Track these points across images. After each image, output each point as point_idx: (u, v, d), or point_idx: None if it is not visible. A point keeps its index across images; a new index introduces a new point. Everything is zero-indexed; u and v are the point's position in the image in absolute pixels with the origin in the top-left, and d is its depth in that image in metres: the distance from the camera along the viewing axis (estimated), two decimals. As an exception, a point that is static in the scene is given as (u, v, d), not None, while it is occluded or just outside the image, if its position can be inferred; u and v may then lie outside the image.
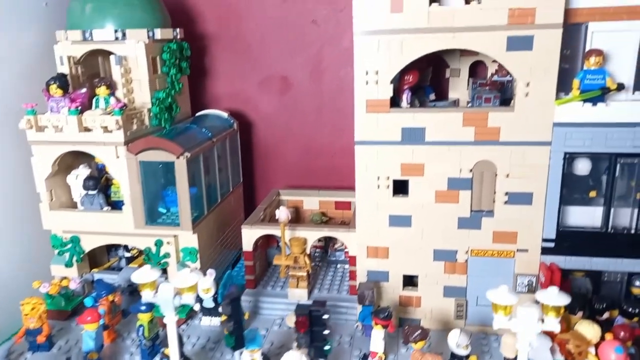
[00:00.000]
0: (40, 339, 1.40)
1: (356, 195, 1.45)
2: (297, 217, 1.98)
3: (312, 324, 1.05)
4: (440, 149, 1.36)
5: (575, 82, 1.28)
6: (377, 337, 1.30)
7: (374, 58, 1.32)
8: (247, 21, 2.06)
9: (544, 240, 1.38)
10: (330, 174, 2.14)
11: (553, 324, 0.99)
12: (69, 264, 1.64)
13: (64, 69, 1.60)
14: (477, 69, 1.71)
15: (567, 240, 1.37)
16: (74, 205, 1.68)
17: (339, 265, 1.81)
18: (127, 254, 1.81)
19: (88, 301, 1.44)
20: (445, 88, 1.73)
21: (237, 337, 1.10)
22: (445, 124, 1.34)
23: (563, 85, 1.32)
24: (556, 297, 0.98)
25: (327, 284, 1.70)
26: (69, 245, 1.62)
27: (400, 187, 1.42)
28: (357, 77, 1.34)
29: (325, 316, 1.04)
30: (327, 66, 2.05)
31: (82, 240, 1.62)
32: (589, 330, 1.19)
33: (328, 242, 1.89)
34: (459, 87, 1.70)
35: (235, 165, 2.00)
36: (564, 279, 1.41)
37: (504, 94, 1.48)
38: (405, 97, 1.42)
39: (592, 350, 1.18)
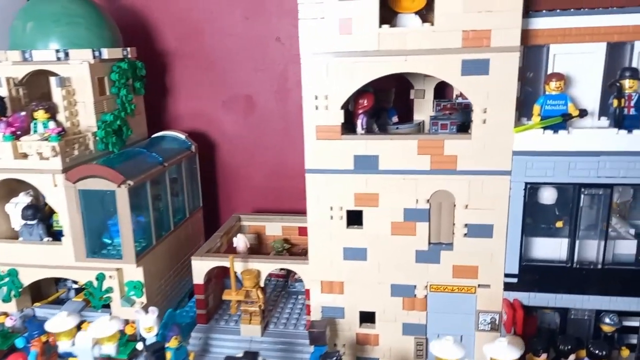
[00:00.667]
0: (-33, 382, 1.29)
1: (308, 227, 1.36)
2: (260, 244, 1.88)
3: (241, 377, 0.96)
4: (395, 178, 1.27)
5: (536, 108, 1.20)
6: (326, 383, 1.20)
7: (323, 82, 1.24)
8: (209, 38, 1.98)
9: (507, 275, 1.29)
10: (298, 197, 2.02)
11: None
12: (6, 299, 1.53)
13: (3, 91, 1.51)
14: (443, 89, 1.64)
15: (530, 275, 1.28)
16: (14, 236, 1.58)
17: (299, 297, 1.71)
18: (76, 285, 1.71)
19: (19, 342, 1.34)
20: (411, 110, 1.65)
21: (163, 390, 1.00)
22: (400, 152, 1.25)
23: (527, 110, 1.25)
24: (505, 350, 0.89)
25: (284, 317, 1.60)
26: (7, 279, 1.52)
27: (355, 218, 1.33)
28: (306, 102, 1.26)
29: (256, 369, 0.95)
30: (292, 85, 1.98)
31: (20, 274, 1.52)
32: (550, 376, 1.10)
33: (289, 271, 1.80)
34: (424, 109, 1.62)
35: (194, 189, 1.90)
36: (530, 316, 1.33)
37: (468, 118, 1.40)
38: (361, 123, 1.34)
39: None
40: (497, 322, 1.33)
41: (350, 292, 1.38)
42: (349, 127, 1.34)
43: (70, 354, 1.17)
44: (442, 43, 1.16)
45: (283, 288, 1.79)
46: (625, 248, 1.31)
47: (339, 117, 1.26)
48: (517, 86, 1.23)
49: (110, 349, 1.01)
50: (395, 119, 1.56)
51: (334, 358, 1.19)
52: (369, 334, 1.40)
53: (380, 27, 1.18)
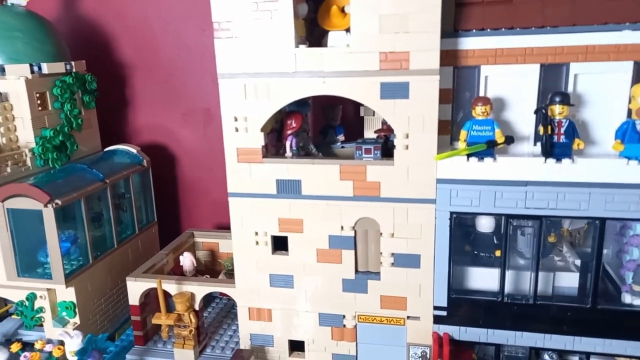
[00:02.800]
0: None
1: (234, 251, 1.32)
2: (213, 261, 1.84)
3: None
4: (319, 204, 1.22)
5: (463, 133, 1.14)
6: (239, 417, 1.15)
7: (241, 103, 1.19)
8: (166, 50, 1.95)
9: (435, 307, 1.23)
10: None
11: None
12: (-58, 315, 1.52)
13: (-60, 106, 1.50)
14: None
15: (460, 308, 1.22)
16: (-47, 251, 1.56)
17: (244, 318, 1.67)
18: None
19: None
20: (361, 126, 1.59)
21: None
22: (322, 177, 1.20)
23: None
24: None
25: (224, 340, 1.55)
26: (-59, 296, 1.51)
27: (281, 244, 1.28)
28: (225, 124, 1.22)
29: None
30: (250, 99, 1.93)
31: (-45, 291, 1.51)
32: (466, 421, 1.04)
33: (238, 290, 1.75)
34: (375, 126, 1.55)
35: (146, 204, 1.87)
36: (466, 350, 1.26)
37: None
38: (290, 144, 1.29)
39: None
40: (427, 355, 1.26)
41: (279, 320, 1.33)
42: (283, 148, 1.29)
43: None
44: (360, 65, 1.10)
45: (231, 309, 1.75)
46: (568, 280, 1.24)
47: (260, 140, 1.21)
48: (447, 109, 1.18)
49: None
50: (341, 137, 1.51)
51: (245, 392, 1.15)
52: (299, 363, 1.35)
53: (297, 47, 1.13)
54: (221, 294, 1.78)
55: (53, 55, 1.60)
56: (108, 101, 1.91)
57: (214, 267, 1.82)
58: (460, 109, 1.25)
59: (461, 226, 1.21)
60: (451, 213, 1.15)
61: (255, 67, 1.16)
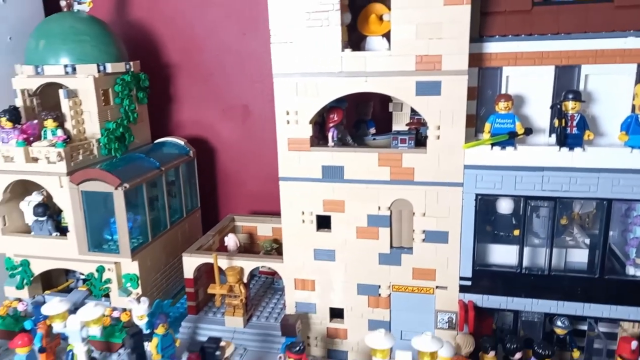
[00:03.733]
0: (-20, 359, 1.47)
1: (283, 229, 1.49)
2: (251, 243, 2.03)
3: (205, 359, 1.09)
4: (359, 187, 1.39)
5: (487, 126, 1.31)
6: (290, 370, 1.33)
7: (293, 99, 1.37)
8: (209, 52, 2.13)
9: (461, 278, 1.40)
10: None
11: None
12: (19, 286, 1.72)
13: (19, 101, 1.69)
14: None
15: (483, 279, 1.39)
16: (27, 230, 1.76)
17: (283, 293, 1.85)
18: (83, 276, 1.88)
19: (27, 324, 1.52)
20: (390, 121, 1.76)
21: (140, 369, 1.15)
22: (363, 164, 1.38)
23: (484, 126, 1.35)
24: (428, 344, 1.00)
25: (267, 311, 1.74)
26: (20, 268, 1.70)
27: (324, 222, 1.46)
28: (279, 117, 1.40)
29: (218, 353, 1.08)
30: (285, 96, 2.11)
31: (32, 264, 1.70)
32: (490, 371, 1.21)
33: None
34: (402, 121, 1.72)
35: (191, 191, 2.06)
36: (487, 317, 1.43)
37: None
38: (331, 135, 1.47)
39: (493, 391, 1.20)
40: (454, 321, 1.43)
41: (321, 289, 1.50)
42: (324, 139, 1.47)
43: (63, 334, 1.34)
44: (398, 66, 1.28)
45: (270, 285, 1.93)
46: (578, 256, 1.41)
47: (308, 131, 1.39)
48: (472, 104, 1.34)
49: (95, 330, 1.16)
50: (373, 130, 1.68)
51: (297, 347, 1.32)
52: (338, 328, 1.53)
53: (343, 50, 1.30)
54: (260, 272, 1.98)
55: (115, 56, 1.79)
56: (155, 97, 2.09)
57: (253, 248, 2.01)
58: (483, 105, 1.41)
59: (483, 208, 1.38)
60: (476, 195, 1.32)
61: (306, 67, 1.34)
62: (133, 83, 1.85)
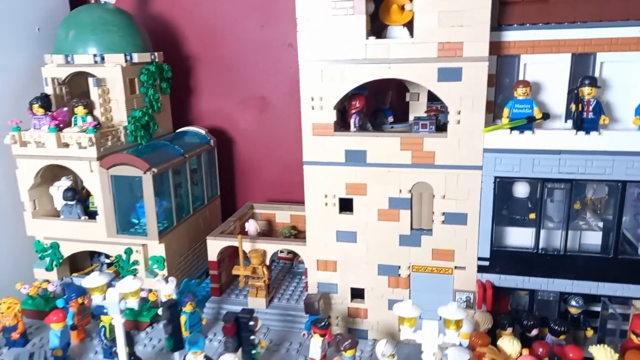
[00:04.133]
0: (15, 336, 1.53)
1: (306, 212, 1.55)
2: (270, 230, 2.08)
3: (239, 329, 1.15)
4: (381, 171, 1.45)
5: (505, 111, 1.36)
6: (315, 345, 1.38)
7: (318, 85, 1.42)
8: (228, 44, 2.19)
9: (480, 258, 1.45)
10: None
11: (453, 336, 1.06)
12: (49, 268, 1.78)
13: (49, 89, 1.75)
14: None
15: (501, 259, 1.44)
16: (56, 214, 1.82)
17: (302, 277, 1.91)
18: (107, 260, 1.94)
19: (59, 302, 1.58)
20: (407, 110, 1.82)
21: (175, 340, 1.21)
22: (385, 148, 1.43)
23: (502, 112, 1.40)
24: (454, 311, 1.06)
25: (287, 293, 1.80)
26: (49, 251, 1.76)
27: (346, 205, 1.51)
28: (304, 103, 1.45)
29: (252, 322, 1.14)
30: (302, 87, 2.16)
31: (61, 246, 1.76)
32: (508, 345, 1.26)
33: (295, 254, 1.99)
34: (419, 110, 1.78)
35: (212, 179, 2.12)
36: (504, 297, 1.49)
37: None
38: (353, 121, 1.52)
39: (512, 364, 1.25)
40: (472, 300, 1.49)
41: (342, 270, 1.56)
42: (345, 125, 1.52)
43: (102, 307, 1.40)
44: (421, 53, 1.33)
45: (289, 270, 1.99)
46: (592, 238, 1.46)
47: (332, 116, 1.44)
48: (491, 91, 1.39)
49: (133, 303, 1.22)
50: (390, 118, 1.73)
51: (323, 323, 1.38)
52: (359, 308, 1.58)
53: (367, 38, 1.36)
54: (279, 257, 2.04)
55: (141, 47, 1.85)
56: (176, 89, 2.14)
57: (271, 234, 2.06)
58: (500, 93, 1.46)
59: (500, 193, 1.43)
60: (495, 177, 1.38)
61: (331, 55, 1.39)
62: (157, 73, 1.91)
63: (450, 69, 1.32)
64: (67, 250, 1.77)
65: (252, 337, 1.15)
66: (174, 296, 1.57)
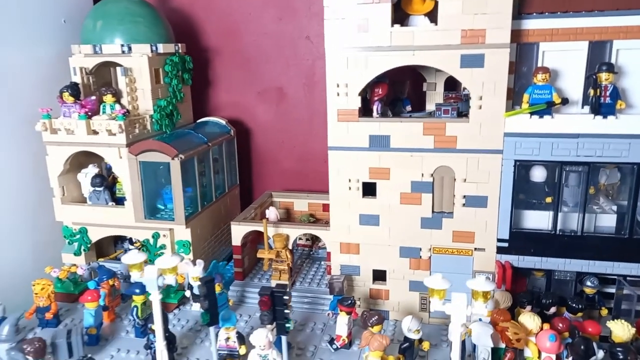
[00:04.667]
0: (48, 316, 1.58)
1: (330, 196, 1.60)
2: (288, 217, 2.14)
3: (274, 303, 1.20)
4: (404, 155, 1.50)
5: (525, 96, 1.41)
6: (342, 323, 1.44)
7: (344, 72, 1.47)
8: (246, 37, 2.24)
9: (499, 240, 1.50)
10: (321, 178, 2.27)
11: (481, 308, 1.12)
12: (77, 253, 1.83)
13: (77, 78, 1.81)
14: (454, 83, 1.85)
15: (519, 240, 1.49)
16: (83, 200, 1.87)
17: (322, 262, 1.96)
18: (132, 247, 2.00)
19: (91, 284, 1.63)
20: (423, 100, 1.87)
21: (212, 315, 1.26)
22: (408, 133, 1.48)
23: (520, 99, 1.45)
24: (482, 284, 1.11)
25: (309, 277, 1.85)
26: (78, 236, 1.81)
27: (369, 189, 1.57)
28: (329, 89, 1.50)
29: (286, 297, 1.19)
30: (319, 79, 2.22)
31: (90, 232, 1.81)
32: (529, 321, 1.31)
33: (314, 241, 2.05)
34: (435, 100, 1.83)
35: (231, 168, 2.17)
36: (522, 277, 1.54)
37: (469, 106, 1.62)
38: (376, 108, 1.57)
39: (532, 339, 1.30)
40: (491, 280, 1.53)
41: (365, 253, 1.61)
42: (366, 112, 1.57)
43: (133, 288, 1.45)
44: (444, 40, 1.38)
45: (308, 256, 2.04)
46: (606, 221, 1.51)
47: (357, 102, 1.49)
48: (510, 78, 1.44)
49: (171, 279, 1.27)
50: (408, 107, 1.78)
51: (349, 301, 1.43)
52: (380, 289, 1.63)
53: (392, 26, 1.41)
54: (298, 244, 2.09)
55: (165, 38, 1.90)
56: (195, 80, 2.19)
57: (289, 222, 2.11)
58: (518, 80, 1.52)
59: (519, 177, 1.48)
60: (515, 161, 1.43)
61: (357, 42, 1.44)
62: (180, 64, 1.96)
63: (472, 55, 1.38)
64: (95, 235, 1.82)
65: (286, 311, 1.20)
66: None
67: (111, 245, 2.02)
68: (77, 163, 1.85)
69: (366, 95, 1.60)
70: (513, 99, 1.50)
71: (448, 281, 1.13)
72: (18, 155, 1.76)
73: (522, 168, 1.47)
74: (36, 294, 1.56)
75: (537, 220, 1.53)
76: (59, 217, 1.82)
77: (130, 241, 1.99)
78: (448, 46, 1.39)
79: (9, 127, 1.73)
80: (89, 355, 1.14)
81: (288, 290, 1.20)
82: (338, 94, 1.50)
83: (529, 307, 1.42)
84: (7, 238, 1.74)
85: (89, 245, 1.83)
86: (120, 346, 1.50)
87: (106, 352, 1.47)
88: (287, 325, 1.21)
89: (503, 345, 1.29)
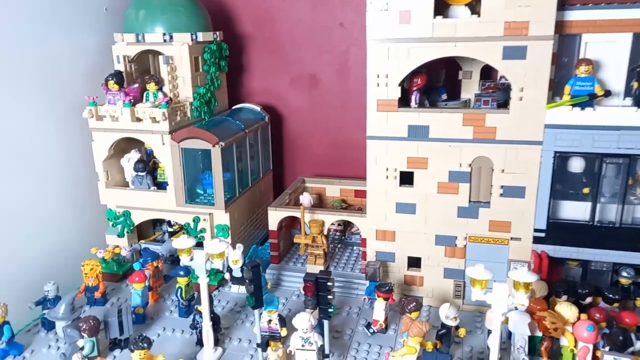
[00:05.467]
0: (97, 295, 1.66)
1: (367, 184, 1.63)
2: (320, 203, 2.18)
3: (318, 289, 1.25)
4: (443, 145, 1.52)
5: (567, 88, 1.41)
6: (379, 308, 1.48)
7: (384, 63, 1.49)
8: (280, 24, 2.26)
9: (536, 230, 1.52)
10: (353, 164, 2.31)
11: (522, 298, 1.15)
12: (120, 235, 1.90)
13: (120, 66, 1.85)
14: (489, 71, 1.85)
15: (556, 230, 1.51)
16: (126, 184, 1.94)
17: (355, 248, 2.00)
18: (170, 229, 2.07)
19: (136, 265, 1.70)
20: (458, 89, 1.88)
21: (257, 298, 1.31)
22: (447, 123, 1.50)
23: (560, 91, 1.45)
24: (524, 275, 1.14)
25: (342, 262, 1.90)
26: (121, 219, 1.88)
27: (406, 178, 1.59)
28: (369, 79, 1.52)
29: (329, 283, 1.24)
30: (352, 65, 2.23)
31: (133, 215, 1.88)
32: (566, 310, 1.34)
33: (346, 226, 2.09)
34: (471, 88, 1.83)
35: (266, 154, 2.21)
36: (557, 267, 1.56)
37: (507, 96, 1.62)
38: (414, 98, 1.59)
39: (569, 328, 1.33)
40: (526, 269, 1.56)
41: (400, 240, 1.65)
42: (403, 102, 1.59)
43: (178, 270, 1.52)
44: (487, 32, 1.39)
45: (340, 240, 2.09)
46: (644, 212, 1.52)
47: (397, 93, 1.51)
48: (551, 69, 1.44)
49: (218, 263, 1.33)
50: (444, 96, 1.79)
51: (387, 287, 1.48)
52: (415, 276, 1.67)
53: (434, 17, 1.42)
54: (330, 229, 2.13)
55: (204, 26, 1.93)
56: (231, 66, 2.23)
57: (321, 207, 2.15)
58: (558, 72, 1.51)
59: (555, 168, 1.49)
60: (555, 152, 1.44)
61: (399, 33, 1.46)
62: (217, 52, 1.99)
63: (515, 47, 1.38)
64: (138, 218, 1.89)
65: (329, 297, 1.24)
66: (240, 262, 1.68)
67: (150, 227, 2.09)
68: (120, 148, 1.91)
69: (404, 85, 1.62)
70: (553, 89, 1.50)
71: (490, 272, 1.16)
72: (67, 140, 1.83)
73: (561, 159, 1.47)
74: (85, 274, 1.64)
75: (574, 210, 1.54)
76: (104, 201, 1.89)
77: (169, 223, 2.06)
78: (490, 38, 1.39)
79: (59, 114, 1.79)
80: (144, 335, 1.21)
81: (332, 277, 1.25)
82: (378, 85, 1.52)
83: (564, 297, 1.45)
84: (56, 220, 1.82)
85: (131, 228, 1.90)
86: (165, 325, 1.57)
87: (153, 331, 1.54)
88: (329, 310, 1.25)
89: (540, 334, 1.32)
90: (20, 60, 1.64)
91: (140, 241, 1.98)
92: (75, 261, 1.68)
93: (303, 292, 1.27)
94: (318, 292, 1.25)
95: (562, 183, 1.54)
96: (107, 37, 1.93)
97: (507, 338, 1.39)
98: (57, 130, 1.80)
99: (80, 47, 1.89)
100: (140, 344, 1.16)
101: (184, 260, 1.33)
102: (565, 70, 1.49)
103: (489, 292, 1.16)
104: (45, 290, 1.53)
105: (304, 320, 1.29)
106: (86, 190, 1.91)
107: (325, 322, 1.28)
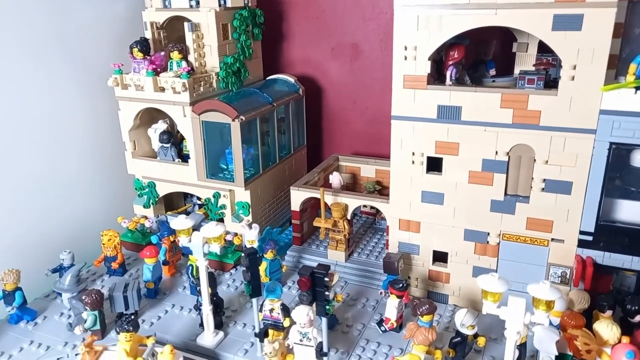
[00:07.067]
0: (114, 265, 1.67)
1: (391, 169, 1.49)
2: (354, 183, 2.05)
3: (314, 284, 1.14)
4: (476, 130, 1.33)
5: (632, 67, 1.17)
6: (391, 306, 1.36)
7: (413, 33, 1.31)
8: (321, -13, 2.10)
9: (582, 232, 1.31)
10: (393, 143, 2.16)
11: (542, 317, 0.98)
12: (146, 205, 1.90)
13: (148, 33, 1.81)
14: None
15: (607, 235, 1.29)
16: (154, 155, 1.92)
17: (384, 234, 1.87)
18: (199, 202, 2.04)
19: (153, 239, 1.69)
20: (512, 62, 1.64)
21: (254, 287, 1.24)
22: (483, 104, 1.31)
23: (626, 69, 1.21)
24: (546, 291, 0.96)
25: (368, 249, 1.78)
26: (147, 189, 1.88)
27: (434, 165, 1.43)
28: (396, 52, 1.35)
29: (327, 278, 1.13)
30: (397, 34, 2.04)
31: (157, 186, 1.87)
32: (606, 330, 1.14)
33: (378, 210, 1.95)
34: (526, 63, 1.60)
35: (299, 129, 2.11)
36: (606, 275, 1.35)
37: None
38: (450, 74, 1.40)
39: (608, 350, 1.14)
40: (567, 276, 1.36)
41: (426, 232, 1.49)
42: (440, 78, 1.41)
43: (187, 248, 1.47)
44: (535, -3, 1.17)
45: (371, 225, 1.96)
46: None
47: (426, 68, 1.33)
48: (615, 43, 1.20)
49: (215, 247, 1.26)
50: (492, 71, 1.57)
51: (401, 284, 1.34)
52: (440, 272, 1.52)
53: (472, -20, 1.21)
54: (362, 212, 2.00)
55: (234, -9, 1.83)
56: (267, 35, 2.12)
57: (355, 188, 2.03)
58: (627, 46, 1.26)
59: (614, 161, 1.26)
60: (611, 144, 1.21)
61: (430, -1, 1.27)
62: (250, 18, 1.89)
63: (568, 15, 1.15)
64: (162, 190, 1.87)
65: (326, 293, 1.14)
66: (257, 242, 1.62)
67: (181, 199, 2.07)
68: (150, 117, 1.88)
69: (442, 58, 1.43)
70: (618, 67, 1.25)
71: (506, 283, 0.99)
72: (95, 109, 1.83)
73: (619, 151, 1.24)
74: (104, 244, 1.65)
75: (633, 212, 1.30)
76: (131, 171, 1.89)
77: (199, 197, 2.03)
78: (538, 4, 1.17)
79: (86, 82, 1.79)
80: (132, 317, 1.17)
81: (331, 270, 1.14)
82: (405, 58, 1.35)
83: (609, 312, 1.24)
84: (83, 188, 1.84)
85: (157, 199, 1.88)
86: (175, 302, 1.55)
87: (161, 307, 1.52)
88: (327, 307, 1.15)
89: (570, 353, 1.14)
90: (45, 26, 1.63)
91: (167, 212, 1.97)
92: (102, 229, 1.69)
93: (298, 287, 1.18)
94: (315, 288, 1.15)
95: (620, 179, 1.30)
96: (137, 3, 1.88)
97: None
98: (86, 98, 1.80)
99: (110, 13, 1.86)
100: (126, 326, 1.13)
101: (183, 241, 1.28)
102: (636, 44, 1.23)
103: (504, 306, 1.00)
104: (60, 258, 1.55)
105: (302, 314, 1.19)
106: (114, 160, 1.91)
107: (324, 319, 1.18)
